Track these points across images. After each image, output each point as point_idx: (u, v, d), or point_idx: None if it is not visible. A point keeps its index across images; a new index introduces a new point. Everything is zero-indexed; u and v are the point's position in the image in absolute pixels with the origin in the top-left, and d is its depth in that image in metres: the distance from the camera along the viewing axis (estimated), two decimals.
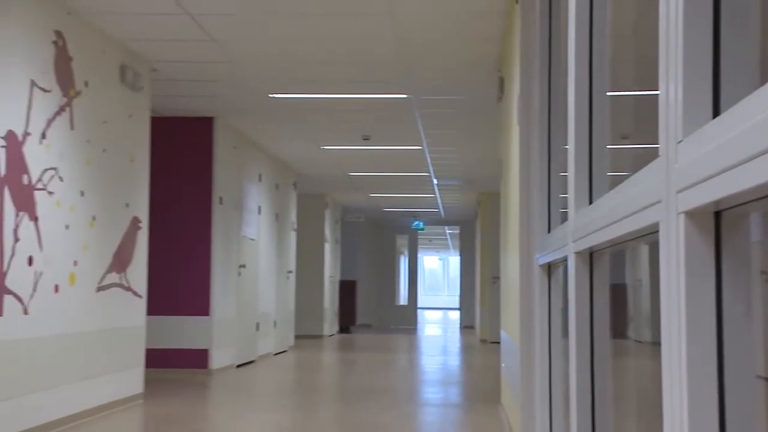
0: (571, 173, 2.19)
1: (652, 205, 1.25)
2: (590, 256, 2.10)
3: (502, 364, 5.80)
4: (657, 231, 1.21)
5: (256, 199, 9.52)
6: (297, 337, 12.99)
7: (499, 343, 7.78)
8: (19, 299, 4.35)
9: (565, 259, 2.49)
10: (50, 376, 4.70)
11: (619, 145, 2.24)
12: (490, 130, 8.22)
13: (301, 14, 5.03)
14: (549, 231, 3.38)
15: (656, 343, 1.65)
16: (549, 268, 3.33)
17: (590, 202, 2.10)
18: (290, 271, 11.62)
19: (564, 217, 2.94)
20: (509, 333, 4.83)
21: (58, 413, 4.81)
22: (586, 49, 2.13)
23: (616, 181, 1.89)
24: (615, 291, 2.09)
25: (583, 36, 2.14)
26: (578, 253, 2.12)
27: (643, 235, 1.48)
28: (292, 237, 11.80)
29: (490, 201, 13.39)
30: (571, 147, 2.19)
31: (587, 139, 2.12)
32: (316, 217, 13.98)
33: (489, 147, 9.29)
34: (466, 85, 6.67)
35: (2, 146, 4.18)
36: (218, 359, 8.03)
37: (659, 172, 1.21)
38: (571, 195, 2.21)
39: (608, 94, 2.06)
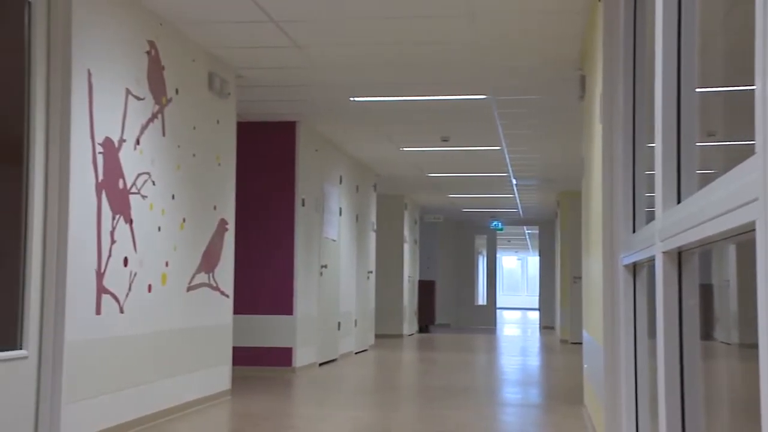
0: (658, 172, 2.17)
1: (748, 203, 1.23)
2: (679, 256, 2.07)
3: (585, 365, 5.73)
4: (752, 230, 1.20)
5: (337, 201, 9.66)
6: (377, 336, 13.10)
7: (580, 343, 7.68)
8: (116, 298, 4.56)
9: (651, 259, 2.46)
10: (143, 373, 4.90)
11: (705, 142, 2.20)
12: (570, 129, 8.12)
13: (381, 18, 5.10)
14: (634, 231, 3.34)
15: (744, 345, 1.62)
16: (634, 268, 3.29)
17: (678, 201, 2.08)
18: (370, 271, 11.73)
19: (650, 217, 2.90)
20: (592, 333, 4.77)
21: (150, 408, 5.01)
22: (674, 44, 2.10)
23: (702, 180, 1.86)
24: (701, 291, 2.06)
25: (671, 30, 2.11)
26: (666, 253, 2.10)
27: (736, 234, 1.46)
28: (372, 237, 11.91)
29: (570, 201, 13.20)
30: (658, 145, 2.16)
31: (675, 136, 2.09)
32: (396, 218, 14.07)
33: (569, 146, 9.17)
34: (546, 84, 6.61)
35: (100, 152, 4.39)
36: (302, 357, 8.19)
37: (755, 170, 1.18)
38: (658, 194, 2.18)
39: (697, 90, 2.03)
